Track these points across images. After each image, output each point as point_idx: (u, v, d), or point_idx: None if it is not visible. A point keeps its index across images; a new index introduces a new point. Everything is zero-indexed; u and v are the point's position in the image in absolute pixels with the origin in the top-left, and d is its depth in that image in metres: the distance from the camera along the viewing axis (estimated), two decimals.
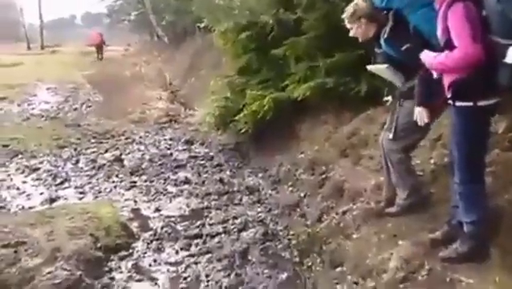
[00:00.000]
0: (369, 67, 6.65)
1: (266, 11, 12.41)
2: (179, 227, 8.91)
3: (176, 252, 7.97)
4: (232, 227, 8.74)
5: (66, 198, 10.38)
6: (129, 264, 7.54)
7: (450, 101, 5.01)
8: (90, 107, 21.96)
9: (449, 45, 4.81)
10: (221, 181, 11.36)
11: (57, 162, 13.03)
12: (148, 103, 21.55)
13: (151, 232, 8.68)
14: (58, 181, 11.51)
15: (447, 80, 4.98)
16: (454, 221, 5.45)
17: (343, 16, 6.42)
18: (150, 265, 7.58)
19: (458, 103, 4.92)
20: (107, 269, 7.36)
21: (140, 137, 16.22)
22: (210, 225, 8.93)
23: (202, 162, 13.07)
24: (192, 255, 7.81)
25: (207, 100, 15.57)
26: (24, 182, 11.46)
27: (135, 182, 11.46)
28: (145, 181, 11.59)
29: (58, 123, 17.96)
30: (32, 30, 72.71)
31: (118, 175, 12.00)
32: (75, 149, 14.34)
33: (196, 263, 7.54)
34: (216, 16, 14.81)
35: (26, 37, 65.00)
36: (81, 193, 10.80)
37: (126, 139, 15.95)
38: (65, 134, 15.97)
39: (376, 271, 5.76)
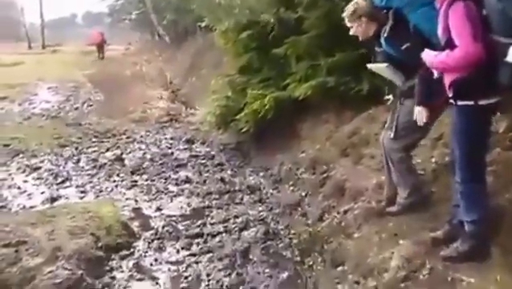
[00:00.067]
0: (369, 66, 6.65)
1: (266, 10, 12.41)
2: (180, 226, 8.91)
3: (178, 251, 7.97)
4: (233, 226, 8.73)
5: (67, 197, 10.37)
6: (130, 263, 7.53)
7: (451, 100, 5.01)
8: (91, 106, 21.95)
9: (449, 44, 4.81)
10: (222, 180, 11.36)
11: (58, 161, 13.03)
12: (149, 103, 21.53)
13: (152, 231, 8.67)
14: (59, 180, 11.51)
15: (448, 79, 4.98)
16: (455, 220, 5.45)
17: (344, 15, 6.42)
18: (151, 264, 7.57)
19: (459, 103, 4.92)
20: (108, 268, 7.35)
21: (141, 136, 16.22)
22: (211, 224, 8.92)
23: (203, 161, 13.07)
24: (193, 254, 7.80)
25: (208, 99, 15.57)
26: (25, 181, 11.44)
27: (136, 181, 11.46)
28: (146, 180, 11.59)
29: (59, 122, 17.95)
30: (33, 30, 72.69)
31: (119, 174, 12.00)
32: (76, 148, 14.34)
33: (197, 262, 7.53)
34: (216, 15, 14.81)
35: (27, 36, 64.95)
36: (82, 192, 10.79)
37: (127, 138, 15.95)
38: (66, 133, 15.96)
39: (377, 270, 5.76)
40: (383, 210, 6.76)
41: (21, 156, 13.25)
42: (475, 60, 4.65)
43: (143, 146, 14.95)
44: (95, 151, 14.15)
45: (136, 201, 10.21)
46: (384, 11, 6.11)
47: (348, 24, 6.43)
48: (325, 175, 9.20)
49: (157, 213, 9.54)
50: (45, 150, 13.86)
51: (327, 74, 10.33)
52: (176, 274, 7.28)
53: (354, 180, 8.14)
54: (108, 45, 46.20)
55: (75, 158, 13.38)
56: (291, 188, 9.99)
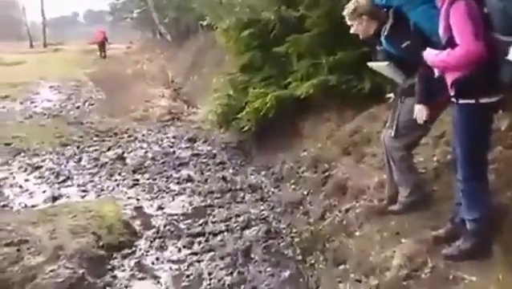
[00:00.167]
0: (370, 64, 6.65)
1: (267, 8, 12.40)
2: (182, 225, 8.92)
3: (179, 250, 7.97)
4: (235, 225, 8.74)
5: (68, 196, 10.39)
6: (132, 262, 7.54)
7: (453, 99, 5.00)
8: (92, 105, 21.96)
9: (451, 43, 4.80)
10: (223, 179, 11.36)
11: (59, 160, 13.04)
12: (150, 101, 21.55)
13: (153, 230, 8.69)
14: (61, 179, 11.53)
15: (449, 78, 4.97)
16: (457, 218, 5.45)
17: (344, 13, 6.41)
18: (153, 263, 7.59)
19: (461, 101, 4.91)
20: (109, 267, 7.36)
21: (143, 135, 16.24)
22: (213, 223, 8.93)
23: (205, 160, 13.08)
24: (194, 253, 7.81)
25: (209, 98, 15.59)
26: (26, 180, 11.46)
27: (137, 180, 11.47)
28: (148, 179, 11.61)
29: (61, 121, 17.96)
30: (34, 28, 72.67)
31: (120, 173, 12.01)
32: (78, 147, 14.35)
33: (198, 261, 7.54)
34: (217, 13, 14.82)
35: (28, 35, 65.00)
36: (83, 191, 10.80)
37: (128, 137, 15.97)
38: (67, 132, 15.98)
39: (379, 269, 5.74)
40: (384, 209, 6.75)
41: (22, 155, 13.26)
42: (476, 59, 4.64)
43: (144, 145, 14.97)
44: (96, 150, 14.17)
45: (138, 199, 10.23)
46: (385, 10, 6.10)
47: (349, 22, 6.42)
48: (327, 174, 9.19)
49: (159, 212, 9.56)
50: (46, 149, 13.87)
51: (329, 72, 10.34)
52: (177, 272, 7.29)
53: (355, 178, 8.14)
54: (110, 44, 46.20)
55: (77, 157, 13.40)
56: (293, 186, 9.99)
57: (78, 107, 21.25)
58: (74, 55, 46.02)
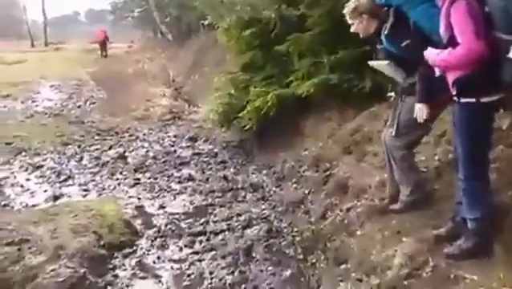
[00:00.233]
0: (371, 63, 6.65)
1: (268, 7, 12.40)
2: (183, 224, 8.92)
3: (180, 249, 7.98)
4: (236, 224, 8.74)
5: (69, 196, 10.39)
6: (133, 261, 7.55)
7: (455, 98, 4.99)
8: (93, 104, 21.97)
9: (452, 42, 4.80)
10: (225, 178, 11.37)
11: (61, 159, 13.05)
12: (151, 100, 21.55)
13: (155, 229, 8.70)
14: (62, 178, 11.53)
15: (451, 77, 4.97)
16: (458, 217, 5.44)
17: (344, 11, 6.40)
18: (154, 262, 7.59)
19: (462, 100, 4.91)
20: (110, 266, 7.37)
21: (144, 134, 16.25)
22: (214, 222, 8.94)
23: (206, 159, 13.08)
24: (196, 252, 7.81)
25: (211, 97, 15.61)
26: (28, 180, 11.47)
27: (139, 179, 11.48)
28: (149, 178, 11.62)
29: (62, 120, 17.97)
30: (35, 27, 72.64)
31: (122, 172, 12.02)
32: (79, 146, 14.36)
33: (200, 261, 7.54)
34: (218, 12, 14.81)
35: (29, 34, 65.00)
36: (85, 190, 10.81)
37: (130, 136, 15.98)
38: (69, 131, 15.99)
39: (380, 268, 5.74)
40: (386, 208, 6.74)
41: (23, 154, 13.28)
42: (477, 58, 4.64)
43: (146, 144, 14.98)
44: (97, 149, 14.18)
45: (139, 199, 10.24)
46: (385, 9, 6.10)
47: (349, 21, 6.40)
48: (328, 173, 9.19)
49: (160, 211, 9.57)
50: (47, 148, 13.88)
51: (330, 71, 10.34)
52: (178, 272, 7.29)
53: (357, 177, 8.13)
54: (111, 43, 46.21)
55: (78, 156, 13.40)
56: (294, 185, 9.99)
57: (79, 107, 21.27)
58: (75, 54, 46.07)
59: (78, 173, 11.91)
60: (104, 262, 7.40)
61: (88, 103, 22.13)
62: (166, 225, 8.81)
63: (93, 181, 11.41)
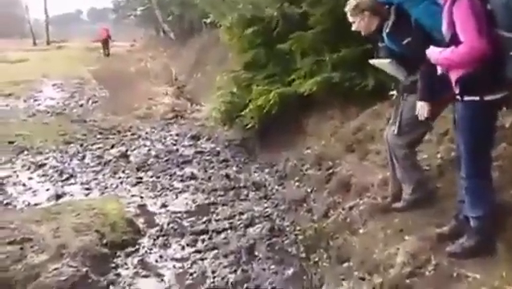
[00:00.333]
0: (372, 62, 6.64)
1: (270, 5, 12.39)
2: (185, 223, 8.91)
3: (183, 248, 7.97)
4: (238, 223, 8.74)
5: (72, 194, 10.39)
6: (135, 260, 7.54)
7: (458, 96, 4.98)
8: (96, 102, 21.96)
9: (454, 40, 4.79)
10: (227, 176, 11.37)
11: (63, 158, 13.05)
12: (153, 99, 21.56)
13: (157, 228, 8.69)
14: (64, 177, 11.54)
15: (454, 75, 4.96)
16: (461, 215, 5.43)
17: (346, 9, 6.38)
18: (156, 261, 7.58)
19: (466, 98, 4.89)
20: (113, 265, 7.36)
21: (146, 133, 16.26)
22: (216, 220, 8.93)
23: (208, 158, 13.08)
24: (198, 251, 7.80)
25: (213, 96, 15.60)
26: (30, 178, 11.47)
27: (141, 178, 11.48)
28: (151, 176, 11.62)
29: (64, 119, 17.97)
30: (38, 26, 72.80)
31: (124, 171, 12.02)
32: (81, 145, 14.36)
33: (202, 259, 7.53)
34: (220, 10, 14.80)
35: (31, 33, 64.97)
36: (87, 189, 10.81)
37: (132, 135, 15.99)
38: (71, 130, 15.99)
39: (383, 267, 5.74)
40: (388, 206, 6.74)
41: (26, 153, 13.28)
42: (480, 56, 4.63)
43: (148, 143, 14.98)
44: (99, 148, 14.18)
45: (141, 197, 10.24)
46: (386, 6, 6.09)
47: (350, 19, 6.38)
48: (330, 171, 9.18)
49: (162, 210, 9.56)
50: (50, 147, 13.89)
51: (332, 69, 10.33)
52: (181, 270, 7.28)
53: (359, 176, 8.13)
54: (113, 41, 46.19)
55: (80, 155, 13.41)
56: (297, 184, 9.98)
57: (81, 105, 21.27)
58: (77, 53, 46.05)
59: (80, 172, 11.92)
60: (106, 260, 7.40)
61: (90, 101, 22.13)
62: (168, 224, 8.80)
63: (95, 179, 11.42)
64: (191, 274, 7.14)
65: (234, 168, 12.09)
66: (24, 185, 11.01)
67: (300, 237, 7.98)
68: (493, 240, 5.08)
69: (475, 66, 4.71)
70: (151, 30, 57.43)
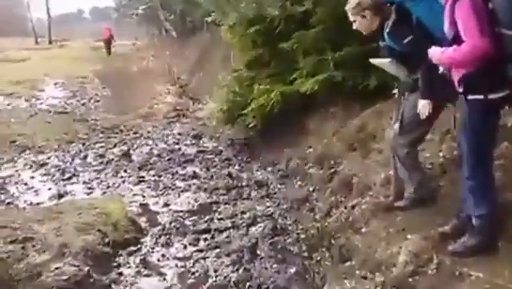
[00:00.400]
0: (373, 61, 6.64)
1: (272, 4, 12.37)
2: (187, 222, 8.90)
3: (185, 247, 7.97)
4: (240, 222, 8.73)
5: (74, 194, 10.39)
6: (137, 259, 7.52)
7: (461, 95, 4.98)
8: (98, 101, 22.04)
9: (456, 39, 4.78)
10: (229, 175, 11.37)
11: (65, 157, 13.07)
12: (156, 98, 21.61)
13: (159, 227, 8.68)
14: (67, 176, 11.54)
15: (456, 75, 4.95)
16: (463, 214, 5.43)
17: (347, 8, 6.35)
18: (158, 260, 7.57)
19: (469, 97, 4.89)
20: (115, 264, 7.35)
21: (148, 132, 16.29)
22: (219, 219, 8.93)
23: (210, 157, 13.10)
24: (200, 250, 7.79)
25: (215, 94, 15.59)
26: (32, 178, 11.49)
27: (143, 177, 11.48)
28: (153, 175, 11.62)
29: (66, 118, 18.03)
30: (40, 25, 72.80)
31: (126, 170, 12.03)
32: (83, 144, 14.39)
33: (204, 258, 7.52)
34: (223, 9, 14.79)
35: (33, 32, 65.05)
36: (89, 188, 10.82)
37: (134, 134, 16.02)
38: (73, 129, 16.04)
39: (385, 265, 5.73)
40: (390, 205, 6.73)
41: (28, 152, 13.32)
42: (482, 54, 4.62)
43: (150, 142, 15.00)
44: (102, 147, 14.21)
45: (144, 196, 10.24)
46: (388, 5, 6.07)
47: (351, 18, 6.36)
48: (333, 170, 9.19)
49: (164, 209, 9.56)
50: (52, 146, 13.91)
51: (334, 68, 10.31)
52: (183, 269, 7.26)
53: (362, 175, 8.13)
54: (115, 40, 46.21)
55: (82, 154, 13.42)
56: (299, 183, 10.00)
57: (83, 104, 21.35)
58: (79, 52, 46.18)
59: (82, 171, 11.92)
60: (109, 259, 7.40)
61: (92, 100, 22.21)
62: (170, 223, 8.78)
63: (97, 178, 11.42)
64: (193, 273, 7.12)
65: (236, 167, 12.10)
66: (26, 184, 11.01)
67: (302, 236, 7.96)
68: (496, 239, 5.08)
69: (478, 65, 4.70)
70: (153, 29, 57.34)
